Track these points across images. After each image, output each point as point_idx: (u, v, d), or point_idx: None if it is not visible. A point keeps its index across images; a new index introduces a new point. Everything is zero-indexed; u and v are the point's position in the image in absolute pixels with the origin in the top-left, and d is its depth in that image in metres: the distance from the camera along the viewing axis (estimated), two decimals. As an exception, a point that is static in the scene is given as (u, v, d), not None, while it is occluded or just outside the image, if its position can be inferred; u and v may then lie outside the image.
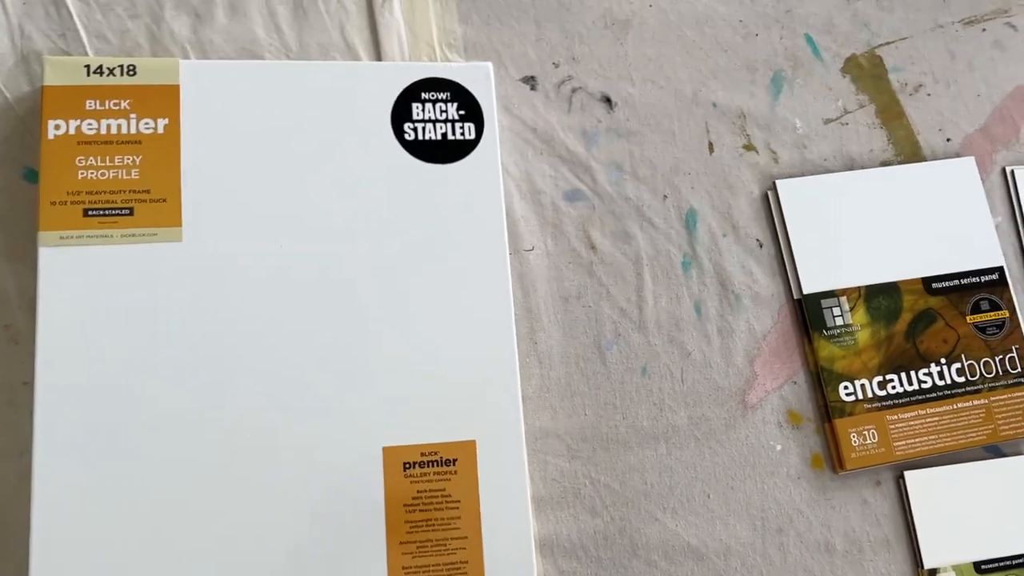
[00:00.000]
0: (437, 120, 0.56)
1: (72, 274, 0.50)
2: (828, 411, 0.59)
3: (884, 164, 0.64)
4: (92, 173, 0.52)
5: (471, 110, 0.57)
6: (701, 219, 0.61)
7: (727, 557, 0.56)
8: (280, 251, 0.53)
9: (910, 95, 0.66)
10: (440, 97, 0.57)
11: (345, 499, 0.50)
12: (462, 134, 0.57)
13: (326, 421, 0.51)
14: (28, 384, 0.52)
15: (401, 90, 0.56)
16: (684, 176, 0.62)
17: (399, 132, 0.56)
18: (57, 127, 0.52)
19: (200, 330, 0.51)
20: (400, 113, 0.56)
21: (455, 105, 0.57)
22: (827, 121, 0.64)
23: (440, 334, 0.53)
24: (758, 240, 0.61)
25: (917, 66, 0.67)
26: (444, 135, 0.56)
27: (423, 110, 0.56)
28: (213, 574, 0.48)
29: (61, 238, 0.51)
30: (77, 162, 0.52)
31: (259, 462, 0.50)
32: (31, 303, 0.52)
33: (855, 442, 0.58)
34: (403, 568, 0.50)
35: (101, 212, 0.51)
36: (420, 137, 0.56)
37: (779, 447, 0.58)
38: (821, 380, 0.59)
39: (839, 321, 0.60)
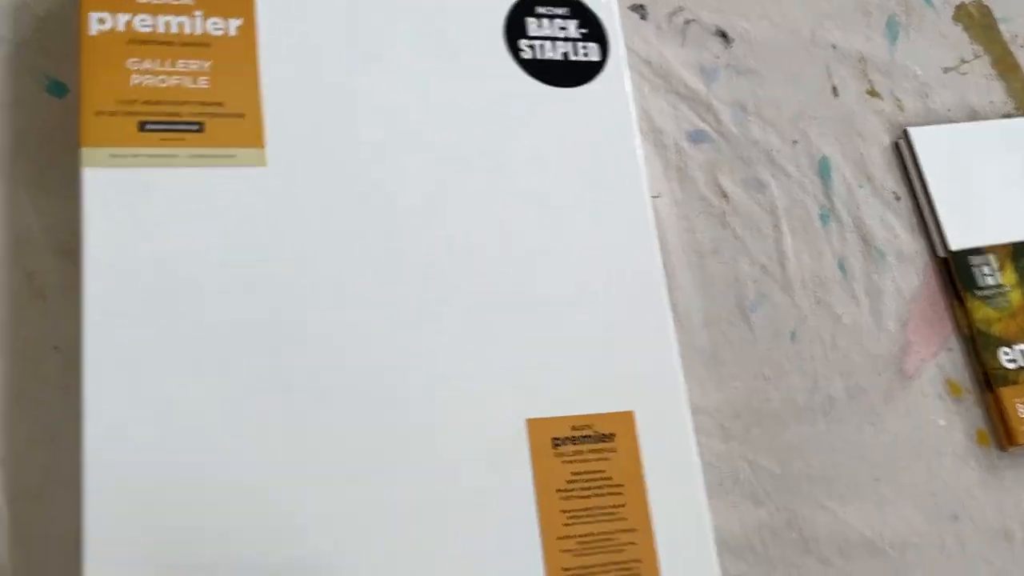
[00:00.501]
0: (557, 38, 0.48)
1: (127, 201, 0.38)
2: (988, 380, 0.51)
3: (1006, 116, 0.59)
4: (149, 79, 0.40)
5: (594, 29, 0.48)
6: (835, 168, 0.54)
7: (904, 550, 0.47)
8: (385, 182, 0.42)
9: (1022, 47, 0.61)
10: (558, 13, 0.48)
11: (485, 484, 0.39)
12: (585, 55, 0.48)
13: (456, 390, 0.40)
14: (60, 350, 0.39)
15: (513, 2, 0.47)
16: (811, 120, 0.54)
17: (514, 49, 0.47)
18: (101, 21, 0.41)
19: (293, 275, 0.40)
20: (513, 28, 0.47)
21: (575, 23, 0.48)
22: (946, 70, 0.59)
23: (579, 285, 0.44)
24: (894, 192, 0.54)
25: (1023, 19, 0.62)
26: (565, 55, 0.47)
27: (540, 26, 0.47)
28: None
29: (112, 156, 0.39)
30: (129, 64, 0.40)
31: (376, 443, 0.39)
32: (63, 245, 0.40)
33: (1023, 414, 0.51)
34: (563, 569, 0.39)
35: (163, 127, 0.40)
36: (539, 56, 0.47)
37: (943, 422, 0.51)
38: (977, 345, 0.52)
39: (990, 280, 0.53)
